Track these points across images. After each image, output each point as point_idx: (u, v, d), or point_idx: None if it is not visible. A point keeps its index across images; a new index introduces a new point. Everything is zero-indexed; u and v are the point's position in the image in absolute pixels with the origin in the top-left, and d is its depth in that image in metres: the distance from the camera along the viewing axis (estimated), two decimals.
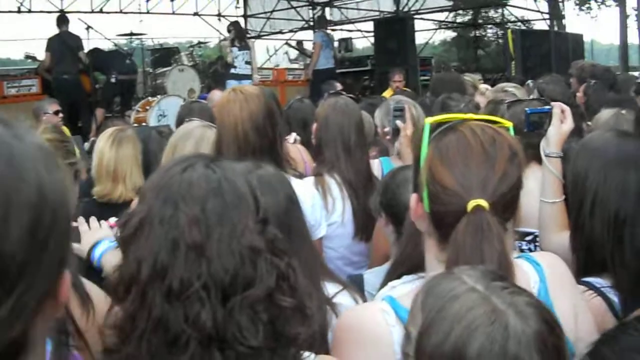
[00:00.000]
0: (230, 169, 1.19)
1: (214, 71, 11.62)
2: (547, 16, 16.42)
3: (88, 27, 9.93)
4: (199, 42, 12.72)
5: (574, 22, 34.60)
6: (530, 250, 2.35)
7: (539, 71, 7.74)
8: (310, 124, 3.54)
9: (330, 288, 1.85)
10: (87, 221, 2.19)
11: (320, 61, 11.24)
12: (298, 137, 3.61)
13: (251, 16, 16.75)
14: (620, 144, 1.93)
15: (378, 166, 3.28)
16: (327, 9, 16.68)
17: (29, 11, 13.15)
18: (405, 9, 16.44)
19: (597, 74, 5.92)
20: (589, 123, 3.85)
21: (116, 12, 14.44)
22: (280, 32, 17.33)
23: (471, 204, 1.24)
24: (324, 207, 2.76)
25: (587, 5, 22.09)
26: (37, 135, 0.74)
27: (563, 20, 16.64)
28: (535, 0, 16.71)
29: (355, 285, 2.03)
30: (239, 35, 9.54)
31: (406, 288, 1.39)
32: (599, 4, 22.26)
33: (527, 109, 2.35)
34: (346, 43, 15.43)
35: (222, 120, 2.58)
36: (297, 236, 1.78)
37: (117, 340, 1.12)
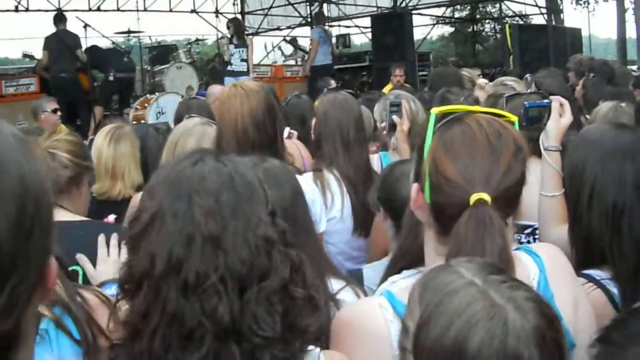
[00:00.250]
0: (239, 163, 1.19)
1: (212, 68, 11.63)
2: (544, 10, 16.39)
3: (86, 25, 9.90)
4: (197, 40, 12.74)
5: (572, 16, 34.56)
6: (529, 242, 2.35)
7: (537, 65, 7.71)
8: (308, 120, 3.54)
9: (334, 284, 1.85)
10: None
11: (318, 57, 11.27)
12: (294, 132, 3.60)
13: (249, 13, 16.72)
14: (617, 136, 1.93)
15: (377, 161, 3.28)
16: (325, 5, 16.63)
17: (27, 10, 13.12)
18: (403, 5, 16.40)
19: (596, 67, 5.94)
20: (588, 116, 3.85)
21: (114, 10, 14.41)
22: (278, 29, 17.32)
23: (474, 198, 1.23)
24: (323, 203, 2.76)
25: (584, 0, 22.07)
26: (10, 125, 0.74)
27: (561, 15, 16.60)
28: None
29: (355, 280, 2.02)
30: (238, 32, 9.52)
31: (406, 283, 1.38)
32: None
33: (526, 102, 2.34)
34: (344, 39, 15.45)
35: (222, 115, 2.58)
36: (302, 229, 1.78)
37: (127, 336, 1.12)
